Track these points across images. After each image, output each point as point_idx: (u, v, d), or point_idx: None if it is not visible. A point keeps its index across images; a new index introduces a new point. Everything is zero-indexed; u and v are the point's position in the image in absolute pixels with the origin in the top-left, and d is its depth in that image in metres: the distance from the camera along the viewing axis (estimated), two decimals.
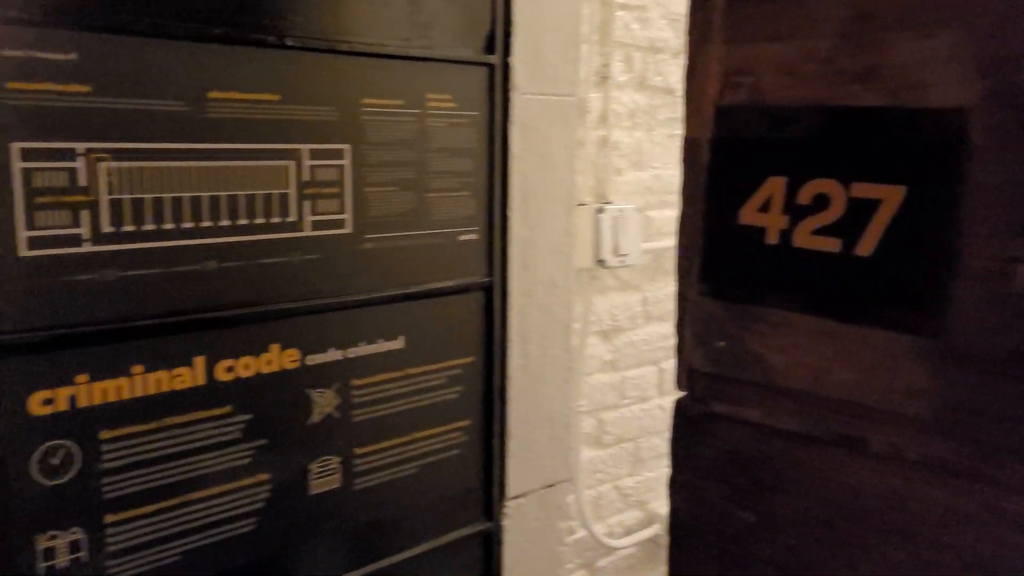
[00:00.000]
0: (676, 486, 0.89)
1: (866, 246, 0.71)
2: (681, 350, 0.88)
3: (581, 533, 2.67)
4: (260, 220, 1.53)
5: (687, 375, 0.88)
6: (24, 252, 1.28)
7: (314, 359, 1.64)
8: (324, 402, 1.66)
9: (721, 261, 0.83)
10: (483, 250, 1.90)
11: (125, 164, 1.37)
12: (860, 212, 0.72)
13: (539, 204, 2.01)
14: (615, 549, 2.80)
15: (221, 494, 1.54)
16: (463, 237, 1.85)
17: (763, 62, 0.79)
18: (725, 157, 0.83)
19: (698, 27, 0.85)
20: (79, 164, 1.32)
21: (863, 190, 0.72)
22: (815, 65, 0.75)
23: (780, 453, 0.80)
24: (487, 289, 1.91)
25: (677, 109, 2.77)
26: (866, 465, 0.74)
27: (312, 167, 1.59)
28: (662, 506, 2.95)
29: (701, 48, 0.85)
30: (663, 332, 2.83)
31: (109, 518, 1.41)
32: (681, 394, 0.89)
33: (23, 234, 1.28)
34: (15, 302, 1.29)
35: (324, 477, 1.68)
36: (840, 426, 0.75)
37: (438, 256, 1.80)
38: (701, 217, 0.84)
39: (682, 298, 0.88)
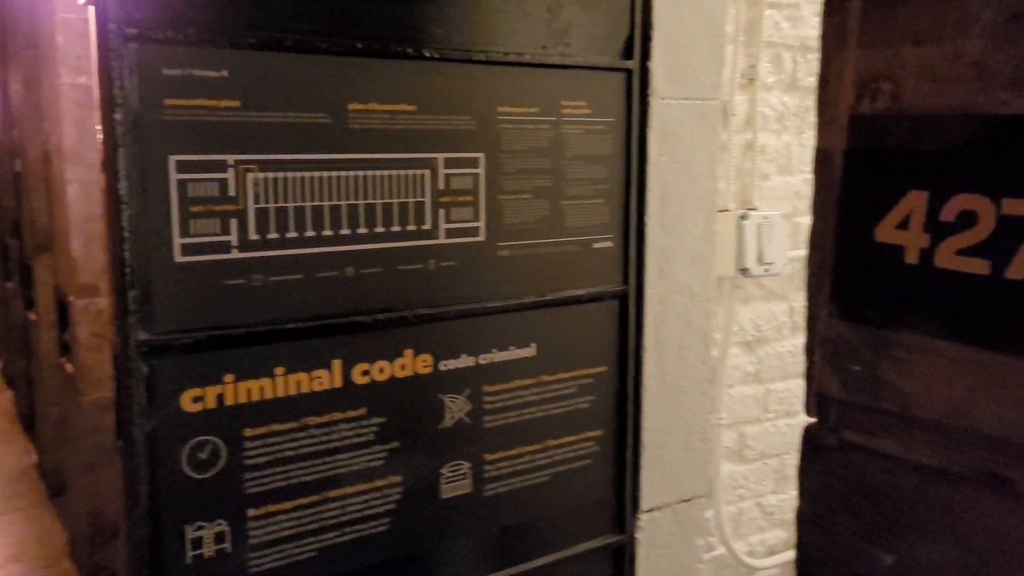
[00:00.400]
0: (804, 517, 0.84)
1: (1018, 269, 0.65)
2: (810, 373, 0.83)
3: (719, 551, 2.59)
4: (396, 228, 1.57)
5: (817, 400, 0.83)
6: (179, 258, 1.37)
7: (447, 365, 1.66)
8: (456, 407, 1.68)
9: (854, 281, 0.78)
10: (618, 258, 1.87)
11: (271, 174, 1.43)
12: (1011, 231, 0.65)
13: (678, 210, 1.96)
14: (756, 570, 2.70)
15: (355, 494, 1.58)
16: (598, 244, 1.83)
17: (904, 67, 0.74)
18: (860, 169, 0.77)
19: (833, 30, 0.80)
20: (229, 175, 1.39)
21: (1015, 207, 0.65)
22: (962, 69, 0.69)
23: (917, 489, 0.74)
24: (622, 297, 1.89)
25: None
26: (1014, 507, 0.67)
27: (447, 175, 1.61)
28: None
29: (836, 53, 0.80)
30: None
31: (251, 512, 1.48)
32: (811, 420, 0.84)
33: (178, 241, 1.36)
34: (171, 305, 1.37)
35: (455, 482, 1.70)
36: (984, 463, 0.68)
37: (572, 264, 1.79)
38: (833, 233, 0.79)
39: (812, 318, 0.83)
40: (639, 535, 2.02)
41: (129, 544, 1.39)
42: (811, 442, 0.83)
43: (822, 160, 0.81)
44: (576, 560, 1.90)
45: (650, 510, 2.05)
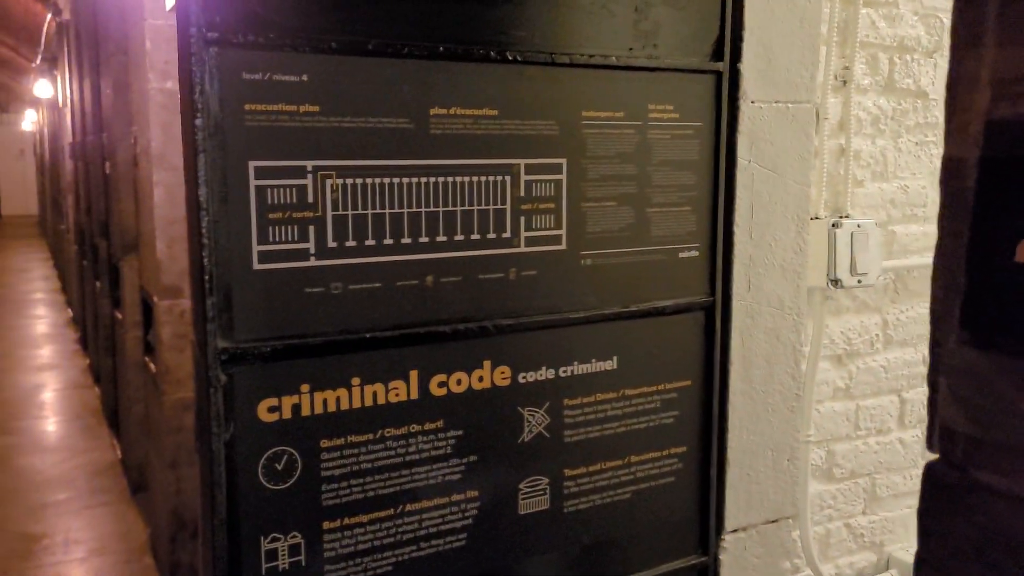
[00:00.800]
0: (925, 565, 0.76)
1: None
2: (934, 405, 0.75)
3: (806, 572, 2.48)
4: (476, 236, 1.52)
5: (941, 435, 0.75)
6: (257, 265, 1.35)
7: (526, 377, 1.61)
8: (535, 421, 1.63)
9: (989, 305, 0.70)
10: (705, 268, 1.79)
11: (350, 181, 1.40)
12: None
13: (767, 219, 1.88)
14: None
15: (432, 508, 1.55)
16: (684, 254, 1.75)
17: None
18: (998, 181, 0.69)
19: (966, 26, 0.72)
20: (308, 181, 1.37)
21: None
22: None
23: None
24: (708, 309, 1.81)
25: (930, 114, 2.51)
26: None
27: (528, 182, 1.56)
28: (900, 550, 2.68)
29: (969, 51, 0.72)
30: (906, 358, 2.57)
31: (327, 524, 1.45)
32: (933, 457, 0.76)
33: (256, 248, 1.34)
34: (249, 313, 1.35)
35: (534, 497, 1.65)
36: None
37: (657, 274, 1.73)
38: (964, 251, 0.71)
39: (936, 345, 0.75)
40: (723, 556, 1.94)
41: (206, 552, 1.38)
42: (934, 482, 0.75)
43: (951, 170, 0.73)
44: None
45: (735, 531, 1.97)
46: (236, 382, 1.36)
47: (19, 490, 4.99)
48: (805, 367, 2.28)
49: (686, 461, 1.84)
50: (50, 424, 6.04)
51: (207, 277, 1.31)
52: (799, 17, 1.86)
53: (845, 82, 2.32)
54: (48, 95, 10.11)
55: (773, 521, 2.03)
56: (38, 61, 10.75)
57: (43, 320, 9.24)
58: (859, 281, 2.26)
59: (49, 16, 8.58)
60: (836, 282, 2.25)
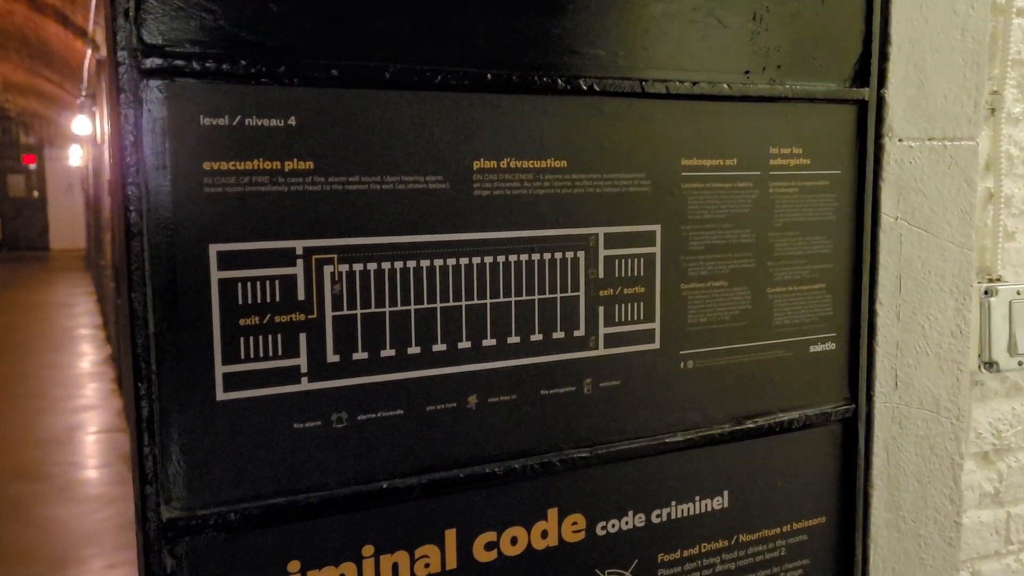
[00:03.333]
0: None
1: None
2: None
3: None
4: (537, 337, 1.09)
5: None
6: (221, 395, 0.92)
7: (606, 527, 1.16)
8: None
9: None
10: (843, 365, 1.33)
11: (358, 267, 0.98)
12: None
13: (919, 293, 1.41)
14: None
15: None
16: (816, 348, 1.30)
17: None
18: None
19: None
20: (297, 269, 0.95)
21: None
22: None
23: None
24: (847, 421, 1.34)
25: None
26: None
27: (609, 259, 1.12)
28: None
29: None
30: None
31: None
32: None
33: (220, 370, 0.92)
34: (209, 465, 0.93)
35: None
36: None
37: (780, 377, 1.27)
38: None
39: None
40: None
41: None
42: None
43: None
44: None
45: None
46: (189, 566, 0.93)
47: (40, 546, 4.67)
48: None
49: None
50: (80, 471, 5.75)
51: (144, 420, 0.88)
52: (959, 27, 1.41)
53: (993, 110, 1.84)
54: (87, 132, 9.99)
55: None
56: (82, 98, 10.68)
57: (85, 357, 9.05)
58: (1020, 363, 1.77)
59: (89, 52, 8.45)
60: (991, 365, 1.76)
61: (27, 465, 5.75)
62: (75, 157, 17.93)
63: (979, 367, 1.77)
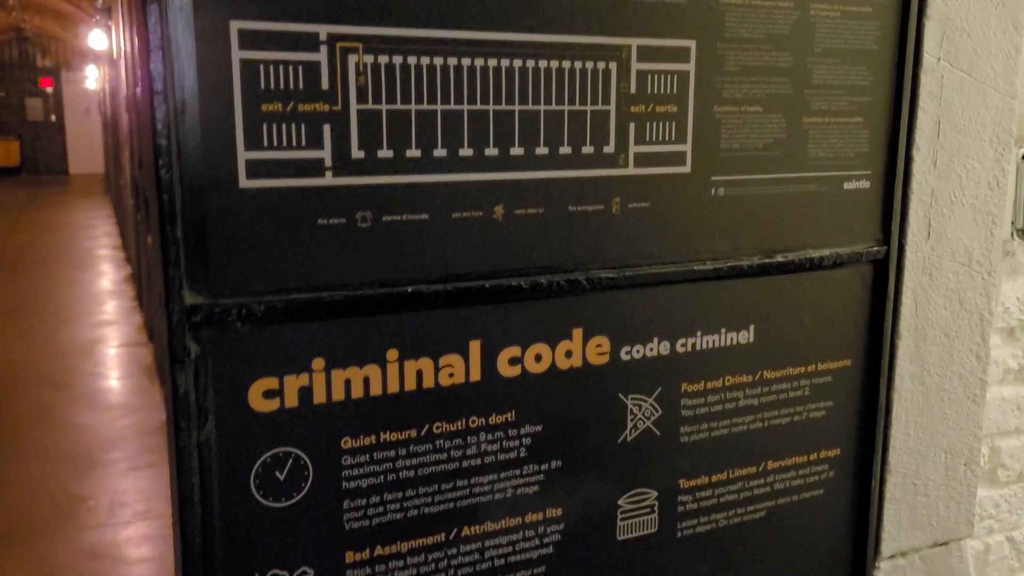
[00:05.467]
0: None
1: None
2: None
3: None
4: (566, 150, 1.06)
5: None
6: (245, 182, 0.91)
7: (631, 352, 1.15)
8: (642, 413, 1.17)
9: None
10: (876, 205, 1.30)
11: (384, 59, 0.95)
12: None
13: (958, 141, 1.37)
14: None
15: (499, 532, 1.11)
16: (850, 185, 1.26)
17: None
18: None
19: None
20: (322, 56, 0.92)
21: None
22: None
23: None
24: (878, 263, 1.32)
25: None
26: None
27: (641, 73, 1.08)
28: None
29: None
30: None
31: (351, 556, 1.02)
32: None
33: (243, 156, 0.90)
34: (233, 253, 0.91)
35: (637, 517, 1.20)
36: None
37: (812, 212, 1.24)
38: None
39: None
40: None
41: None
42: None
43: None
44: None
45: (893, 556, 1.49)
46: (215, 355, 0.92)
47: (67, 448, 4.76)
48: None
49: (839, 468, 1.36)
50: (103, 381, 5.83)
51: (166, 198, 0.87)
52: None
53: None
54: (103, 47, 9.87)
55: (942, 544, 1.55)
56: (96, 17, 10.53)
57: (105, 276, 9.11)
58: None
59: None
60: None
61: (52, 373, 5.83)
62: (92, 79, 17.80)
63: (1012, 234, 1.73)
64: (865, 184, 1.27)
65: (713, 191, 1.15)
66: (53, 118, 20.44)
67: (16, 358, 6.13)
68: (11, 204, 14.70)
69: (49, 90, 20.28)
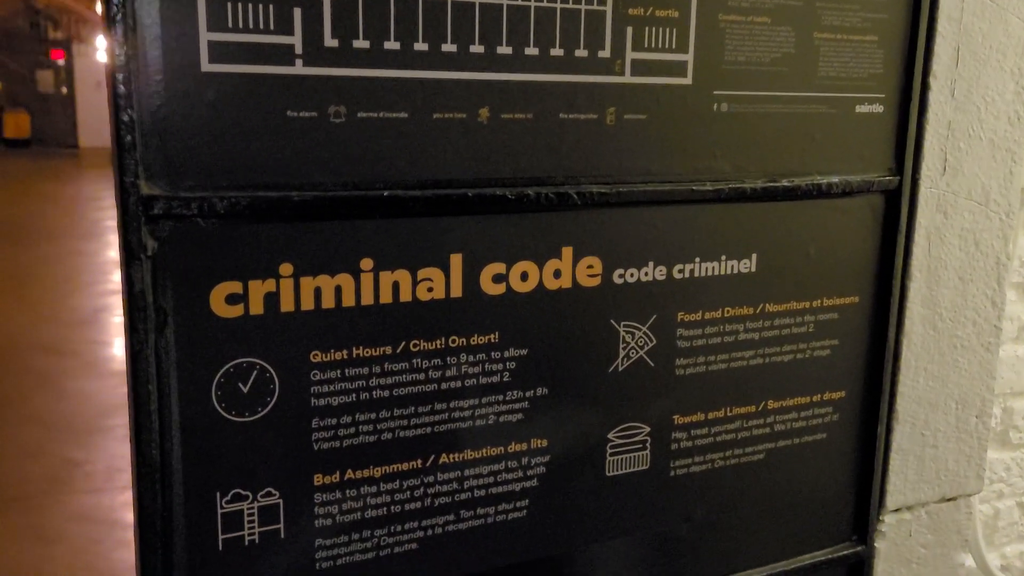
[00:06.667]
0: None
1: None
2: None
3: (967, 562, 1.92)
4: (558, 51, 0.99)
5: None
6: (207, 65, 0.84)
7: (623, 276, 1.08)
8: (634, 342, 1.11)
9: None
10: (889, 132, 1.22)
11: None
12: None
13: (977, 69, 1.29)
14: None
15: (479, 461, 1.04)
16: (862, 108, 1.19)
17: None
18: None
19: None
20: None
21: None
22: None
23: None
24: (890, 194, 1.25)
25: None
26: None
27: None
28: None
29: None
30: None
31: (320, 479, 0.96)
32: None
33: (205, 36, 0.83)
34: (194, 142, 0.85)
35: (628, 452, 1.13)
36: None
37: (821, 135, 1.17)
38: None
39: None
40: (880, 543, 1.40)
41: (137, 516, 0.90)
42: None
43: None
44: None
45: (898, 510, 1.42)
46: (174, 252, 0.86)
47: (67, 414, 4.74)
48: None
49: (843, 412, 1.29)
50: (106, 349, 5.80)
51: (120, 77, 0.80)
52: None
53: None
54: None
55: (950, 500, 1.48)
56: None
57: (112, 247, 9.07)
58: None
59: None
60: None
61: (55, 341, 5.81)
62: (103, 51, 17.75)
63: None
64: (878, 108, 1.19)
65: (715, 106, 1.08)
66: (64, 90, 20.38)
67: (21, 326, 6.12)
68: (20, 176, 14.71)
69: (60, 62, 20.22)
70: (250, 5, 0.84)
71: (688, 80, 1.06)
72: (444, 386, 1.00)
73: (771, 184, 1.14)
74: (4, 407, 4.71)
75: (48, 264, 8.17)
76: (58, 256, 8.53)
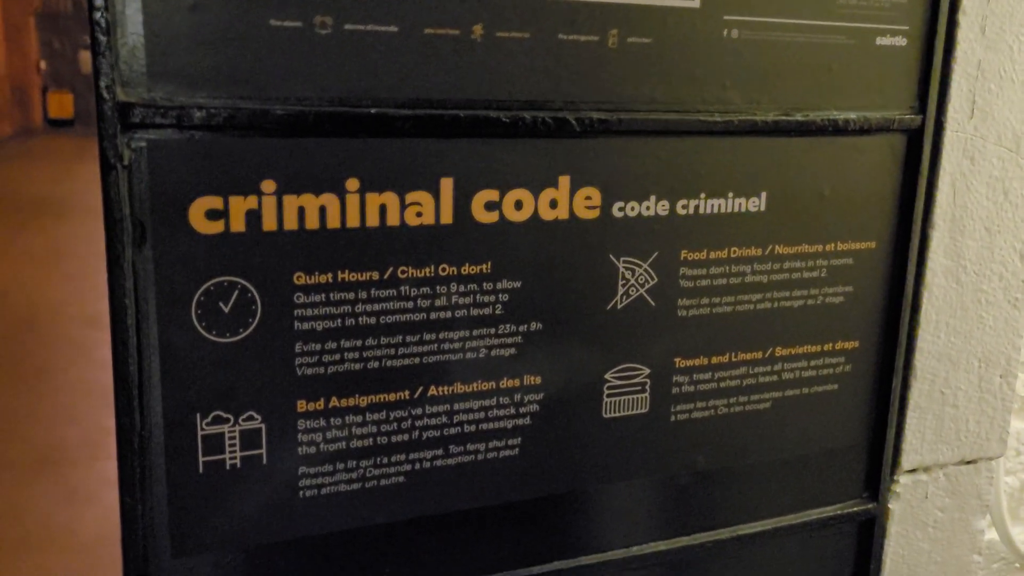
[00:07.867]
0: None
1: None
2: None
3: (990, 534, 1.86)
4: None
5: None
6: None
7: (624, 209, 1.04)
8: (635, 279, 1.07)
9: None
10: (913, 67, 1.17)
11: None
12: None
13: (1010, 7, 1.23)
14: None
15: (470, 395, 1.02)
16: (883, 40, 1.13)
17: None
18: None
19: None
20: None
21: None
22: None
23: None
24: (912, 133, 1.19)
25: None
26: None
27: None
28: None
29: None
30: None
31: (303, 405, 0.94)
32: None
33: None
34: (171, 46, 0.82)
35: (626, 394, 1.10)
36: None
37: (840, 67, 1.11)
38: None
39: None
40: (894, 504, 1.35)
41: (118, 438, 0.89)
42: None
43: None
44: (803, 531, 1.26)
45: (914, 470, 1.37)
46: (151, 163, 0.84)
47: (102, 383, 4.80)
48: None
49: (856, 363, 1.24)
50: None
51: None
52: None
53: None
54: None
55: (970, 462, 1.42)
56: None
57: None
58: None
59: None
60: None
61: (93, 314, 5.89)
62: None
63: None
64: (901, 41, 1.13)
65: (726, 32, 1.03)
66: None
67: (61, 298, 6.20)
68: (63, 155, 14.92)
69: None
70: None
71: (696, 3, 1.01)
72: (433, 316, 0.97)
73: (784, 117, 1.09)
74: (44, 375, 4.79)
75: (88, 240, 8.29)
76: (98, 232, 8.63)
